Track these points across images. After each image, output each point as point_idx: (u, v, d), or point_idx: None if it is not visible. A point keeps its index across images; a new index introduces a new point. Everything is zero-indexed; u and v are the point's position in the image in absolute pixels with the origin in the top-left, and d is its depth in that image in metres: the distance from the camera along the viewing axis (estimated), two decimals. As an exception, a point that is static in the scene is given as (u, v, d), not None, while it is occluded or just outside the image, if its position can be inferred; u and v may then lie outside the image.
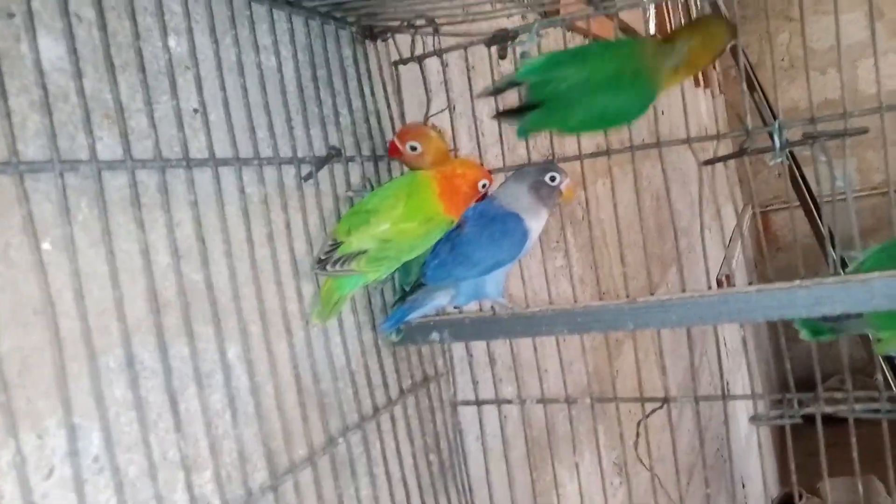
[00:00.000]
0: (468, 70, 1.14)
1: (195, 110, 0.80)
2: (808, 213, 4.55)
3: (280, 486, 0.81)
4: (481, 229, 0.99)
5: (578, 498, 1.46)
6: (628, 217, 2.16)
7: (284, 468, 0.83)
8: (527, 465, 1.22)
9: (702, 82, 4.85)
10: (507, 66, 1.14)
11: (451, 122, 1.18)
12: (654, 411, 1.05)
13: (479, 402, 1.16)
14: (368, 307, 1.04)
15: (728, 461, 3.47)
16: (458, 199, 0.97)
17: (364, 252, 0.91)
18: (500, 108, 1.02)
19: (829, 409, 0.96)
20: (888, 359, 4.34)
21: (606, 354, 2.02)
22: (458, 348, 1.21)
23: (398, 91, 1.16)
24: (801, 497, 4.67)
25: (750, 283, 5.00)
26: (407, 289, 1.03)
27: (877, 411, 0.92)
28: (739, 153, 0.93)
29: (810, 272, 0.88)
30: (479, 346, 1.23)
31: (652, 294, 0.92)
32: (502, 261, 0.99)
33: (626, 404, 1.18)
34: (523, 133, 1.00)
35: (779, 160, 0.94)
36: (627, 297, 0.92)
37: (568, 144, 1.24)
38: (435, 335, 1.03)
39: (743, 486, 3.78)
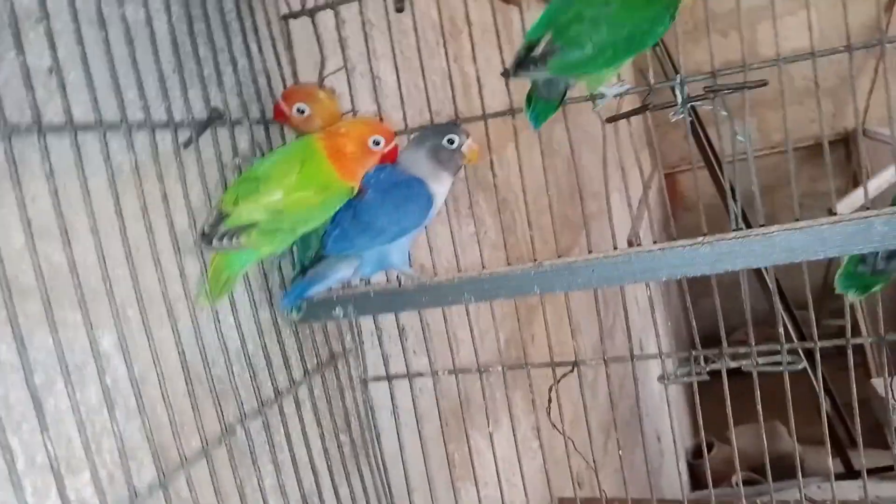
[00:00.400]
0: (364, 25, 1.07)
1: (49, 70, 0.71)
2: (712, 173, 4.72)
3: (171, 484, 0.74)
4: (383, 195, 0.93)
5: (495, 466, 1.45)
6: (538, 181, 2.15)
7: (175, 464, 0.76)
8: (441, 438, 1.19)
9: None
10: (405, 20, 1.08)
11: (349, 82, 1.11)
12: (564, 375, 1.04)
13: (389, 378, 1.12)
14: (265, 284, 0.97)
15: (644, 418, 3.59)
16: (350, 162, 0.90)
17: (254, 224, 0.84)
18: (512, 63, 0.94)
19: (733, 364, 0.97)
20: (787, 310, 4.59)
21: (519, 321, 2.02)
22: (366, 322, 1.16)
23: (290, 48, 1.08)
24: (711, 447, 4.92)
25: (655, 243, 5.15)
26: (307, 263, 0.97)
27: (778, 363, 0.94)
28: (642, 109, 0.91)
29: (715, 230, 0.87)
30: (388, 319, 1.19)
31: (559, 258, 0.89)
32: (407, 227, 0.94)
33: (541, 369, 1.17)
34: (539, 119, 0.97)
35: (681, 115, 0.93)
36: (535, 261, 0.89)
37: (475, 104, 1.19)
38: (338, 310, 0.97)
39: (659, 440, 3.94)
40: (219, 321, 0.86)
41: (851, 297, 0.97)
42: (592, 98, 0.97)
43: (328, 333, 1.08)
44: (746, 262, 0.77)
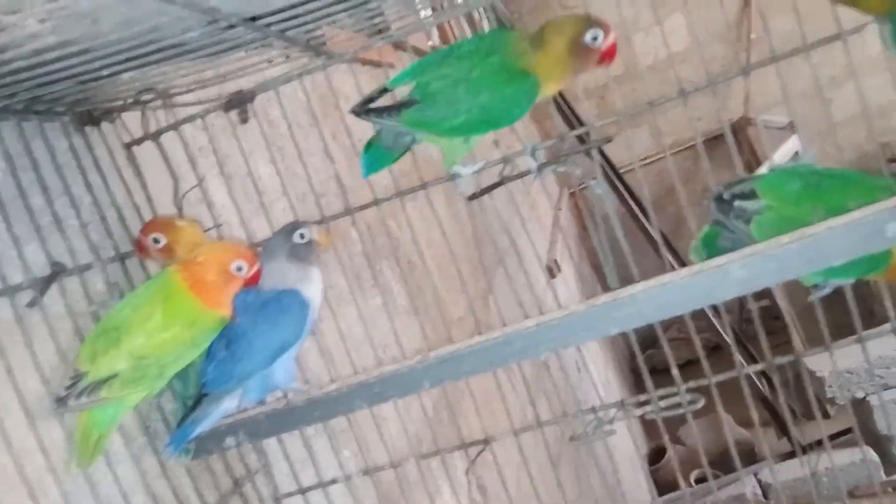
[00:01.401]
0: (211, 140, 1.04)
1: None
2: (613, 186, 4.86)
3: None
4: (255, 317, 0.90)
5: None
6: (448, 233, 2.14)
7: None
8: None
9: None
10: (251, 130, 1.06)
11: (205, 194, 1.08)
12: (478, 455, 1.02)
13: (302, 491, 1.07)
14: (143, 428, 0.91)
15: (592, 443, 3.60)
16: (214, 291, 0.85)
17: (115, 375, 0.79)
18: (364, 105, 0.92)
19: (638, 412, 0.97)
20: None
21: (442, 394, 1.99)
22: (270, 443, 1.10)
23: (139, 174, 1.04)
24: (665, 451, 4.98)
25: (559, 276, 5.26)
26: (189, 402, 0.91)
27: (678, 405, 0.94)
28: (498, 184, 0.91)
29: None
30: (293, 437, 1.13)
31: (486, 307, 0.87)
32: (287, 343, 0.91)
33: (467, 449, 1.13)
34: (373, 166, 0.95)
35: (536, 179, 0.94)
36: (444, 323, 0.87)
37: (354, 194, 1.17)
38: (230, 440, 0.92)
39: (611, 458, 3.95)
40: (93, 485, 0.80)
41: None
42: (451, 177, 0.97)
43: (228, 461, 1.02)
44: (620, 326, 0.77)
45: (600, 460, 3.66)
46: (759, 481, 4.04)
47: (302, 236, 0.93)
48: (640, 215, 4.60)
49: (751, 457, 4.85)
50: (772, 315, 5.09)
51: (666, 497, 4.26)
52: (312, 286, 0.93)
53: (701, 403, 0.93)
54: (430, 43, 3.74)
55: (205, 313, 0.85)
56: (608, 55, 0.83)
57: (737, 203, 0.89)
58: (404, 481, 1.11)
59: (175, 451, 0.88)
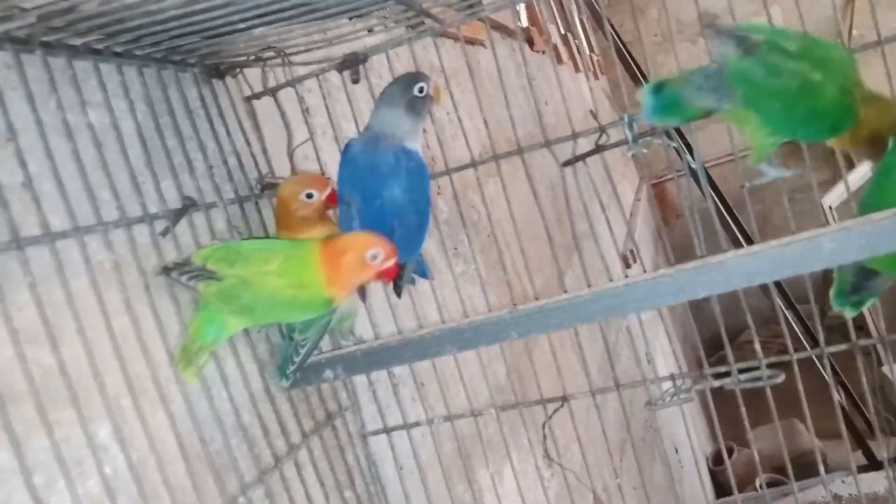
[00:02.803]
0: (325, 97, 1.12)
1: (22, 185, 0.75)
2: (695, 179, 4.75)
3: (174, 566, 0.77)
4: (386, 177, 0.97)
5: (511, 498, 1.46)
6: (524, 211, 2.18)
7: (178, 544, 0.79)
8: (445, 484, 1.21)
9: (581, 66, 4.99)
10: (361, 90, 1.12)
11: (316, 151, 1.16)
12: (555, 411, 1.06)
13: (387, 430, 1.14)
14: (253, 355, 1.00)
15: (660, 430, 3.58)
16: (340, 271, 0.88)
17: (216, 279, 0.85)
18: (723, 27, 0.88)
19: (716, 384, 0.99)
20: (790, 307, 4.59)
21: (524, 352, 2.04)
22: (360, 380, 1.18)
23: (257, 127, 1.12)
24: (732, 452, 4.89)
25: (629, 269, 5.18)
26: (295, 335, 0.99)
27: (758, 379, 0.96)
28: (594, 151, 0.95)
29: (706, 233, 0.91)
30: (381, 374, 1.21)
31: (562, 288, 0.92)
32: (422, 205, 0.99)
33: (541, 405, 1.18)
34: (661, 112, 0.91)
35: (632, 152, 0.96)
36: (533, 290, 0.92)
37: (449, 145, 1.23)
38: (328, 373, 1.00)
39: (676, 452, 3.92)
40: (212, 398, 0.89)
41: (848, 314, 0.98)
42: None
43: (322, 394, 1.11)
44: (707, 290, 0.80)
45: (666, 454, 3.64)
46: (831, 492, 3.92)
47: (421, 90, 0.97)
48: (723, 209, 4.51)
49: (825, 468, 4.71)
50: (856, 325, 4.91)
51: (728, 498, 4.20)
52: (417, 143, 1.00)
53: (781, 378, 0.95)
54: (517, 23, 3.76)
55: (319, 285, 0.88)
56: None
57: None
58: (483, 431, 1.17)
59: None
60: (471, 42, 2.62)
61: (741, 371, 0.98)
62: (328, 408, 1.11)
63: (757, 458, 4.72)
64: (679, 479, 3.82)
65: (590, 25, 6.19)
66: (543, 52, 3.98)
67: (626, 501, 2.54)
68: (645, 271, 0.85)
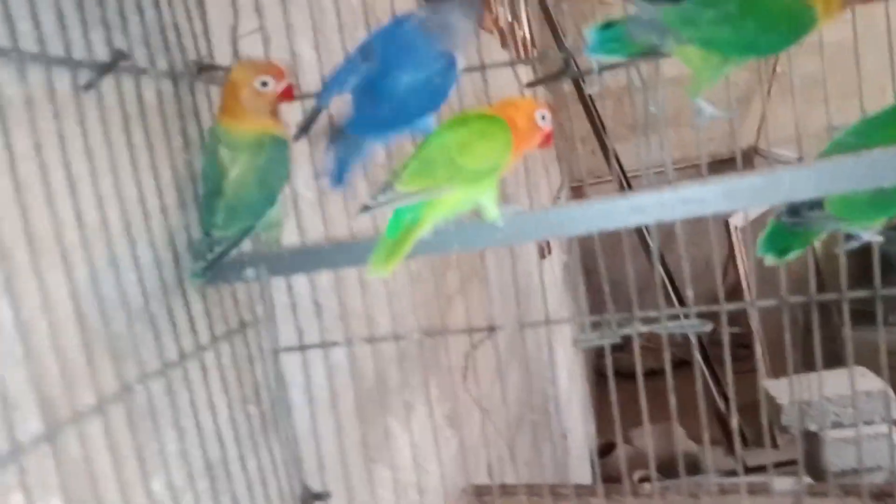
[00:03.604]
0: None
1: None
2: (621, 187, 4.91)
3: (59, 437, 0.69)
4: (407, 67, 0.89)
5: (410, 450, 1.43)
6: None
7: (66, 417, 0.71)
8: (356, 417, 1.17)
9: (523, 56, 5.02)
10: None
11: (265, 49, 1.08)
12: (481, 340, 1.04)
13: (302, 348, 1.08)
14: (169, 242, 0.92)
15: (551, 415, 3.65)
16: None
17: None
18: None
19: (644, 329, 0.99)
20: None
21: (447, 300, 2.01)
22: (279, 294, 1.12)
23: (201, 5, 1.03)
24: (613, 447, 5.07)
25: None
26: (214, 232, 0.92)
27: (686, 326, 0.97)
28: (559, 73, 0.93)
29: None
30: (303, 292, 1.15)
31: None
32: (431, 106, 0.91)
33: (460, 343, 1.16)
34: (603, 47, 0.88)
35: (596, 88, 0.95)
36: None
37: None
38: (250, 272, 0.93)
39: (565, 438, 4.01)
40: (119, 276, 0.81)
41: (770, 261, 0.98)
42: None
43: (238, 301, 1.03)
44: (659, 214, 0.79)
45: (556, 437, 3.72)
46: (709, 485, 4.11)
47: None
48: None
49: (695, 471, 4.95)
50: (741, 343, 5.18)
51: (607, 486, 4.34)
52: (463, 54, 0.92)
53: (710, 327, 0.96)
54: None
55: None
56: None
57: None
58: (404, 357, 1.13)
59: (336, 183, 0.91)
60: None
61: (670, 318, 0.98)
62: (243, 316, 1.04)
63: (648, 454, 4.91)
64: (564, 464, 3.91)
65: (535, 19, 6.25)
66: (492, 32, 3.97)
67: (519, 472, 2.57)
68: (552, 271, 0.84)
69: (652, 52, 0.89)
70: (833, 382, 4.11)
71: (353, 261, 0.90)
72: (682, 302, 4.74)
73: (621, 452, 4.64)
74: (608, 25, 0.90)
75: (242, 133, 0.94)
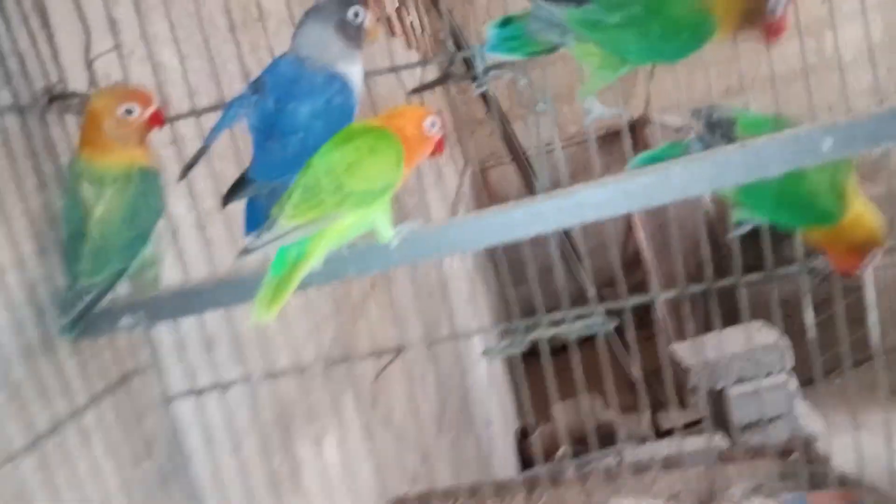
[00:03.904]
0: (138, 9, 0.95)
1: None
2: (520, 166, 4.96)
3: None
4: (301, 100, 0.83)
5: (324, 476, 1.37)
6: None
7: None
8: (262, 453, 1.10)
9: (412, 44, 4.97)
10: (188, 5, 0.97)
11: (124, 71, 0.98)
12: (389, 363, 0.99)
13: (196, 392, 1.00)
14: (31, 298, 0.82)
15: (473, 405, 3.66)
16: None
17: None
18: None
19: (551, 332, 0.97)
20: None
21: (350, 315, 1.95)
22: (164, 336, 1.03)
23: (46, 25, 0.93)
24: (536, 428, 5.16)
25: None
26: (81, 281, 0.83)
27: (591, 327, 0.96)
28: (444, 79, 0.89)
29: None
30: (191, 331, 1.06)
31: None
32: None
33: (369, 366, 1.11)
34: (501, 46, 0.86)
35: (482, 88, 0.91)
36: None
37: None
38: (126, 320, 0.85)
39: (487, 427, 4.04)
40: (-33, 345, 0.71)
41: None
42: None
43: (118, 350, 0.94)
44: (557, 222, 0.76)
45: (478, 427, 3.73)
46: (621, 460, 4.25)
47: (356, 15, 0.84)
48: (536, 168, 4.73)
49: (616, 439, 5.12)
50: (645, 310, 5.38)
51: (535, 469, 4.41)
52: (356, 71, 0.86)
53: (614, 324, 0.95)
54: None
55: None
56: (776, 30, 0.81)
57: None
58: (309, 391, 1.06)
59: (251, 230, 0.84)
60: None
61: (577, 318, 0.97)
62: (125, 366, 0.95)
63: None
64: (489, 453, 3.94)
65: (422, 5, 6.20)
66: (378, 19, 3.90)
67: (440, 476, 2.55)
68: (461, 257, 0.81)
69: (552, 51, 0.87)
70: (733, 340, 4.34)
71: (242, 298, 0.83)
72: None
73: (537, 439, 4.70)
74: (507, 22, 0.88)
75: (107, 166, 0.85)
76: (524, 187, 4.72)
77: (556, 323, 0.99)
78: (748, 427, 4.23)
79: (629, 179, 0.74)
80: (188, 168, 0.89)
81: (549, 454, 4.56)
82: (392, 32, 4.04)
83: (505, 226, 0.78)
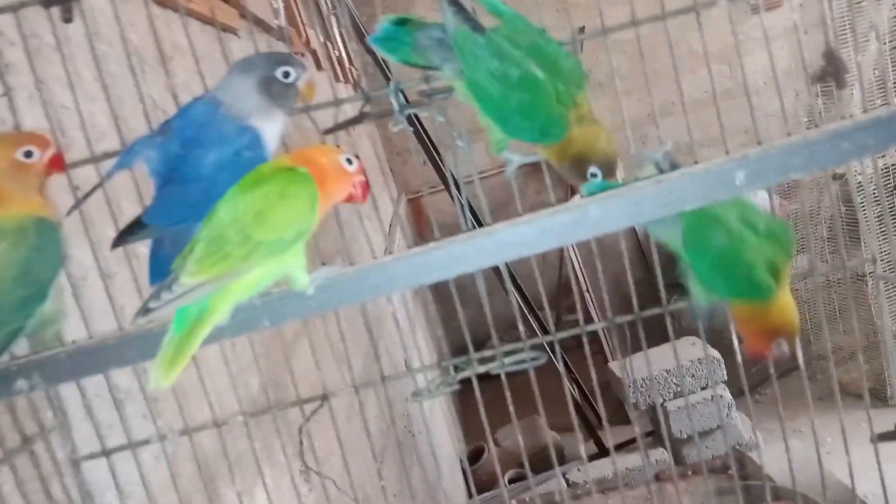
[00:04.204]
0: (24, 40, 0.90)
1: None
2: (450, 193, 4.97)
3: None
4: (208, 148, 0.78)
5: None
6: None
7: None
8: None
9: (341, 76, 4.96)
10: (76, 29, 0.92)
11: (15, 116, 0.92)
12: (314, 412, 0.95)
13: (107, 453, 0.94)
14: None
15: (417, 435, 3.61)
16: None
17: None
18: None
19: (482, 369, 0.95)
20: (531, 312, 4.97)
21: (281, 356, 1.88)
22: (71, 393, 0.96)
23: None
24: (484, 452, 5.13)
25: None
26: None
27: (523, 361, 0.94)
28: (359, 118, 0.86)
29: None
30: (99, 387, 0.99)
31: None
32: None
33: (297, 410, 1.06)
34: (387, 44, 0.84)
35: (400, 126, 0.89)
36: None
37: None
38: (21, 384, 0.78)
39: (434, 455, 3.98)
40: None
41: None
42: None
43: (17, 413, 0.87)
44: (479, 262, 0.75)
45: (424, 458, 3.67)
46: (567, 480, 4.27)
47: (286, 75, 0.80)
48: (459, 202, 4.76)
49: (560, 459, 5.14)
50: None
51: (482, 496, 4.37)
52: (272, 127, 0.82)
53: (544, 360, 0.94)
54: (276, 22, 3.59)
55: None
56: None
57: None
58: (231, 448, 1.01)
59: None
60: (223, 28, 2.42)
61: (506, 355, 0.95)
62: (24, 430, 0.88)
63: (497, 457, 5.01)
64: (437, 481, 3.88)
65: (349, 38, 6.20)
66: (303, 55, 3.85)
67: (389, 507, 2.49)
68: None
69: (428, 67, 0.86)
70: (667, 356, 4.43)
71: (149, 354, 0.77)
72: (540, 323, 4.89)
73: (484, 465, 4.67)
74: (403, 22, 0.86)
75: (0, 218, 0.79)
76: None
77: (486, 360, 0.97)
78: (687, 440, 4.30)
79: (548, 217, 0.73)
80: (78, 204, 0.84)
81: (494, 479, 4.54)
82: (319, 66, 4.02)
83: (425, 267, 0.75)
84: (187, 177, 0.80)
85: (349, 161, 0.78)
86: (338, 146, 0.84)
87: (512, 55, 0.80)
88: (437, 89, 0.88)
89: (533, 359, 0.95)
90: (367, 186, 0.80)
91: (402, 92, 0.89)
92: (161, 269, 0.83)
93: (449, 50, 0.81)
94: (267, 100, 0.82)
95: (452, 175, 1.03)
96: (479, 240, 0.74)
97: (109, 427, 0.98)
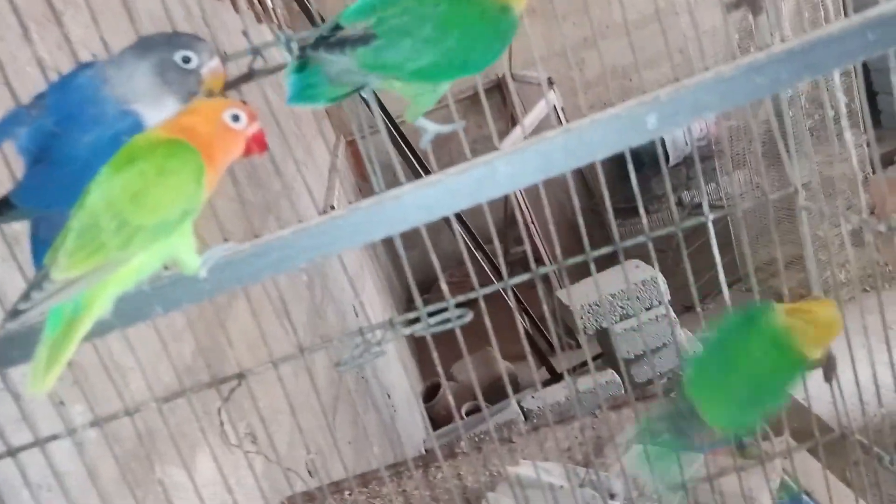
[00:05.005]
0: None
1: None
2: (391, 136, 4.87)
3: None
4: (83, 130, 0.71)
5: (203, 494, 1.28)
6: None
7: None
8: (116, 497, 0.99)
9: (262, 17, 4.72)
10: None
11: None
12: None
13: (12, 452, 0.88)
14: None
15: (371, 380, 3.62)
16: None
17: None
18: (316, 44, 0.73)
19: (407, 332, 0.92)
20: (479, 248, 4.97)
21: (214, 319, 1.82)
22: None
23: None
24: (438, 389, 5.21)
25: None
26: None
27: (448, 321, 0.91)
28: (248, 76, 0.79)
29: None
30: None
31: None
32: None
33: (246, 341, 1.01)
34: (304, 95, 0.75)
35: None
36: None
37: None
38: None
39: (389, 397, 4.01)
40: None
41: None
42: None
43: None
44: (387, 229, 0.70)
45: (377, 400, 3.70)
46: (522, 408, 4.37)
47: (187, 60, 0.72)
48: (413, 160, 4.68)
49: (515, 387, 5.26)
50: (535, 259, 5.50)
51: (440, 430, 4.46)
52: (156, 116, 0.73)
53: (469, 317, 0.91)
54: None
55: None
56: None
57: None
58: (154, 435, 0.96)
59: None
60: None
61: (431, 315, 0.92)
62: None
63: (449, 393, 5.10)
64: (392, 423, 3.92)
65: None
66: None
67: (343, 458, 2.50)
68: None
69: (360, 90, 0.79)
70: (613, 280, 4.50)
71: (29, 355, 0.71)
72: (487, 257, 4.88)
73: (440, 400, 4.75)
74: (303, 66, 0.77)
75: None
76: (398, 155, 4.64)
77: (412, 322, 0.93)
78: (635, 360, 4.43)
79: (456, 177, 0.69)
80: None
81: (452, 414, 4.63)
82: (236, 9, 3.80)
83: (329, 238, 0.70)
84: (61, 157, 0.72)
85: (235, 117, 0.71)
86: (223, 98, 0.76)
87: (408, 29, 0.74)
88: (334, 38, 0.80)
89: (458, 317, 0.92)
90: (262, 137, 0.73)
91: (291, 42, 0.81)
92: (43, 256, 0.76)
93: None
94: (159, 85, 0.74)
95: (364, 127, 0.96)
96: (385, 205, 0.70)
97: (14, 423, 0.91)
